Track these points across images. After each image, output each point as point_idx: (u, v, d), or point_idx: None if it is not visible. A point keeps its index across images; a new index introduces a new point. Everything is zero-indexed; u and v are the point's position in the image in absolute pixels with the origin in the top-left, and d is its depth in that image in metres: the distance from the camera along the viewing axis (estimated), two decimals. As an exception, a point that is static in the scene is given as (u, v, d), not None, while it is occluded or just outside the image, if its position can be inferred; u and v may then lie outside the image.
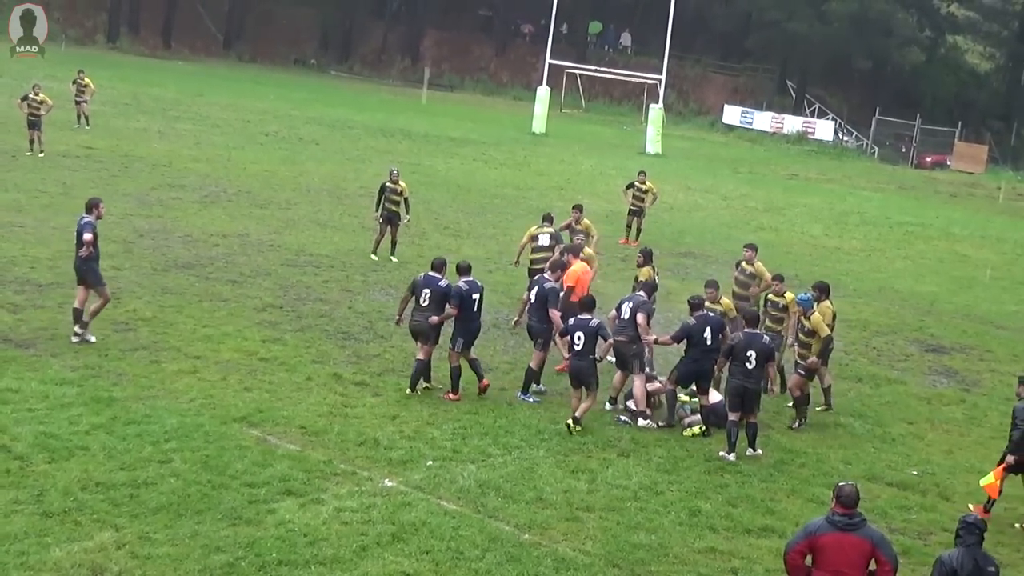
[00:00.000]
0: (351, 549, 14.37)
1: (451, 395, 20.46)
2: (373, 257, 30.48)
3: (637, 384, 20.38)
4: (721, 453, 19.17)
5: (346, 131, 58.83)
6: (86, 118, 48.08)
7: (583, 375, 19.58)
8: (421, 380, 20.61)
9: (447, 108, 78.95)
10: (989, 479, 18.03)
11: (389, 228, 30.76)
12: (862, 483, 14.72)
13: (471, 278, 20.73)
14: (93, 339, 21.27)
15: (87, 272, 21.33)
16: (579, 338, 19.46)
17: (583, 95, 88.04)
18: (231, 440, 17.37)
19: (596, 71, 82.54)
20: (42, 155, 40.22)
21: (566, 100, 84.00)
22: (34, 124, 40.81)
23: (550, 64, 72.30)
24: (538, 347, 21.06)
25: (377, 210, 30.95)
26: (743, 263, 24.58)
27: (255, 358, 21.23)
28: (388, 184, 30.96)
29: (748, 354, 19.13)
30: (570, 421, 19.45)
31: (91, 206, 21.71)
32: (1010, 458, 18.11)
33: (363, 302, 26.39)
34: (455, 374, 20.51)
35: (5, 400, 17.95)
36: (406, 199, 30.91)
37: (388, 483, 16.53)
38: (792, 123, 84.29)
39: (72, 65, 54.47)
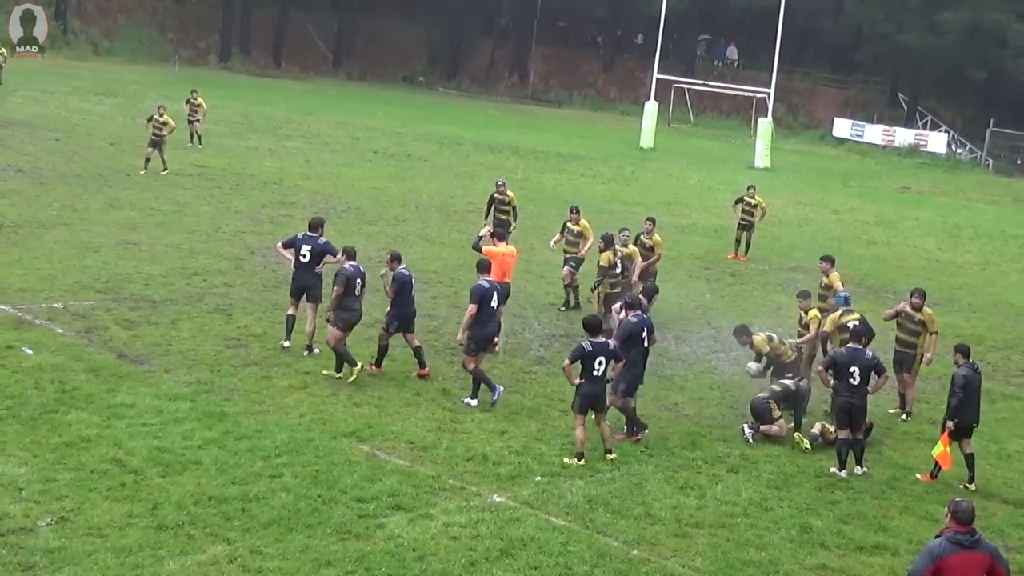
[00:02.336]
0: (459, 564, 14.39)
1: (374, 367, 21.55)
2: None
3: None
4: (832, 470, 18.95)
5: (454, 147, 59.10)
6: (199, 137, 48.77)
7: (599, 401, 18.54)
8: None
9: (555, 124, 79.03)
10: (939, 449, 18.63)
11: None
12: (977, 500, 14.46)
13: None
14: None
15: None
16: (600, 363, 18.26)
17: (691, 109, 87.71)
18: (341, 455, 17.48)
19: (704, 85, 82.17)
20: (164, 172, 40.89)
21: (674, 115, 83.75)
22: (156, 143, 41.42)
23: (658, 79, 72.09)
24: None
25: (486, 219, 31.38)
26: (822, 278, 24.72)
27: (364, 373, 21.34)
28: (496, 195, 31.59)
29: (851, 370, 18.88)
30: (609, 455, 18.69)
31: (316, 225, 22.88)
32: (950, 424, 18.85)
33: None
34: (382, 351, 21.60)
35: (120, 415, 18.23)
36: (514, 208, 31.24)
37: (496, 498, 16.54)
38: (904, 136, 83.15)
39: (185, 85, 55.32)
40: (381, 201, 40.63)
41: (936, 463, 18.96)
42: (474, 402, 20.46)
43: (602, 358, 18.27)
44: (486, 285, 20.76)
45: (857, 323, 21.13)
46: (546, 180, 50.03)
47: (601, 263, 25.86)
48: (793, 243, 41.28)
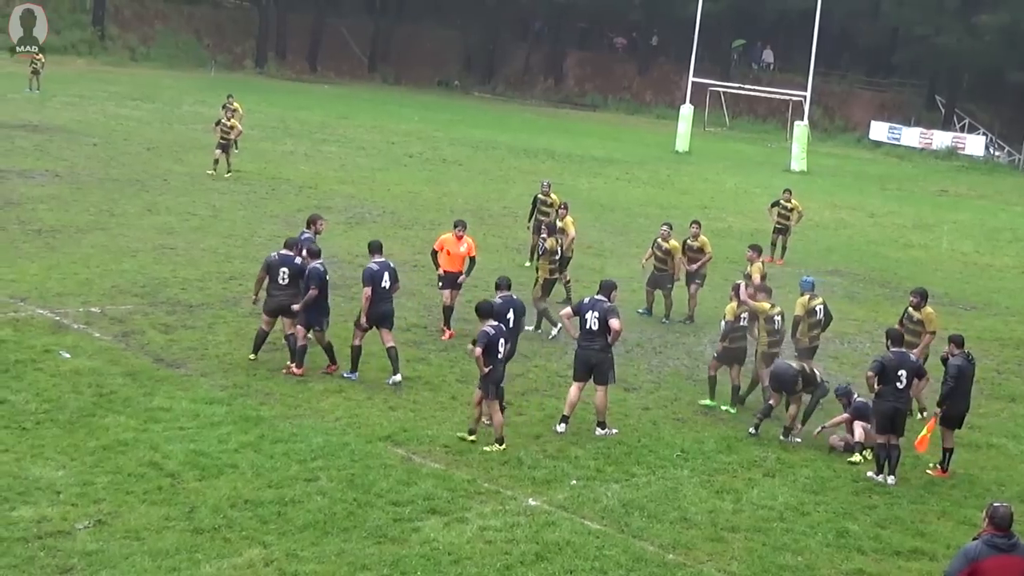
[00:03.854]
0: (495, 568, 14.40)
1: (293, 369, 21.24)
2: (527, 264, 30.97)
3: (600, 396, 19.79)
4: (869, 474, 18.87)
5: (490, 151, 59.13)
6: (235, 142, 48.88)
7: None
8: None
9: (590, 127, 78.98)
10: (922, 433, 19.05)
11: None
12: (1016, 504, 14.35)
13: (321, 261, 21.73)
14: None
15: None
16: (502, 345, 18.67)
17: (727, 113, 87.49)
18: (376, 459, 17.52)
19: (740, 88, 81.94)
20: (228, 175, 42.08)
21: (710, 118, 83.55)
22: (223, 147, 42.65)
23: (693, 82, 71.95)
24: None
25: (530, 220, 31.80)
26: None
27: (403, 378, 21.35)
28: (540, 196, 32.23)
29: (899, 374, 18.76)
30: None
31: (311, 222, 23.52)
32: (938, 410, 19.21)
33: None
34: (301, 351, 21.28)
35: (157, 419, 18.33)
36: (557, 210, 31.29)
37: (532, 502, 16.55)
38: (941, 138, 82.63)
39: (222, 90, 55.60)
40: (416, 205, 40.69)
41: (945, 452, 19.34)
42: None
43: (504, 340, 18.76)
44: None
45: (822, 307, 22.83)
46: (581, 184, 49.97)
47: (547, 247, 25.85)
48: (830, 247, 41.11)
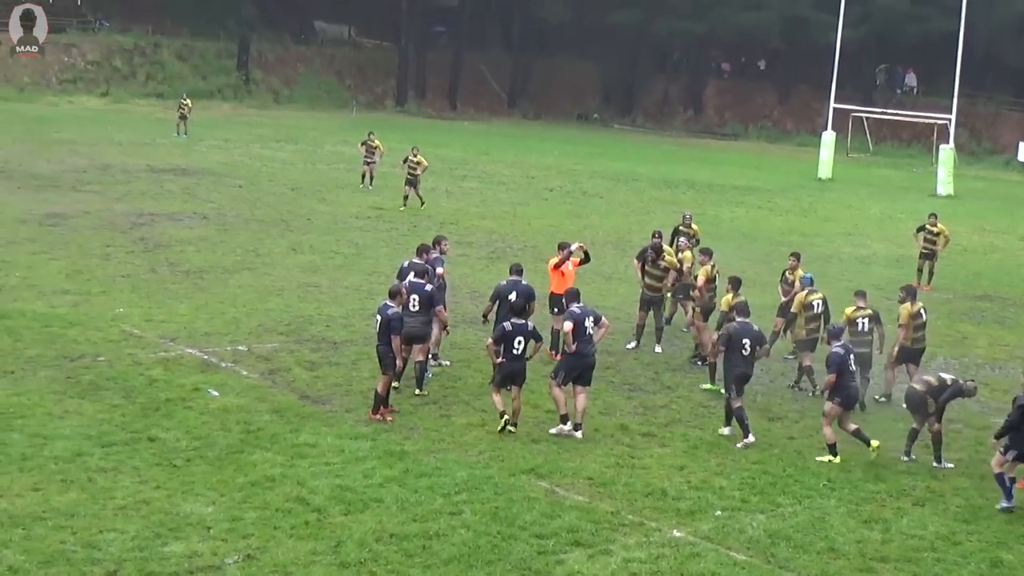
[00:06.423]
0: (640, 600, 14.31)
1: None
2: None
3: (585, 398, 20.56)
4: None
5: (630, 183, 59.09)
6: (371, 178, 49.64)
7: (518, 377, 20.22)
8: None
9: (731, 157, 78.57)
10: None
11: None
12: None
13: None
14: (447, 363, 23.80)
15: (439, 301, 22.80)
16: (519, 342, 20.01)
17: (870, 138, 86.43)
18: (519, 492, 17.53)
19: (883, 113, 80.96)
20: (423, 206, 45.01)
21: (852, 144, 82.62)
22: (411, 182, 45.37)
23: (835, 108, 71.23)
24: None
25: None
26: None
27: (541, 410, 21.32)
28: (682, 227, 32.15)
29: None
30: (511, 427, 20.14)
31: (435, 242, 24.64)
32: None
33: (648, 353, 26.37)
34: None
35: (303, 454, 18.54)
36: (698, 240, 31.33)
37: (676, 533, 16.43)
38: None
39: (363, 130, 56.24)
40: (557, 239, 40.34)
41: None
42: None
43: (521, 338, 20.05)
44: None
45: (821, 302, 23.95)
46: (723, 214, 49.70)
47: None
48: (979, 271, 40.36)
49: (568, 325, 20.39)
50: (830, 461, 19.77)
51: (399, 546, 15.40)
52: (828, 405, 20.09)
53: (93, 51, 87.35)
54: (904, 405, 20.67)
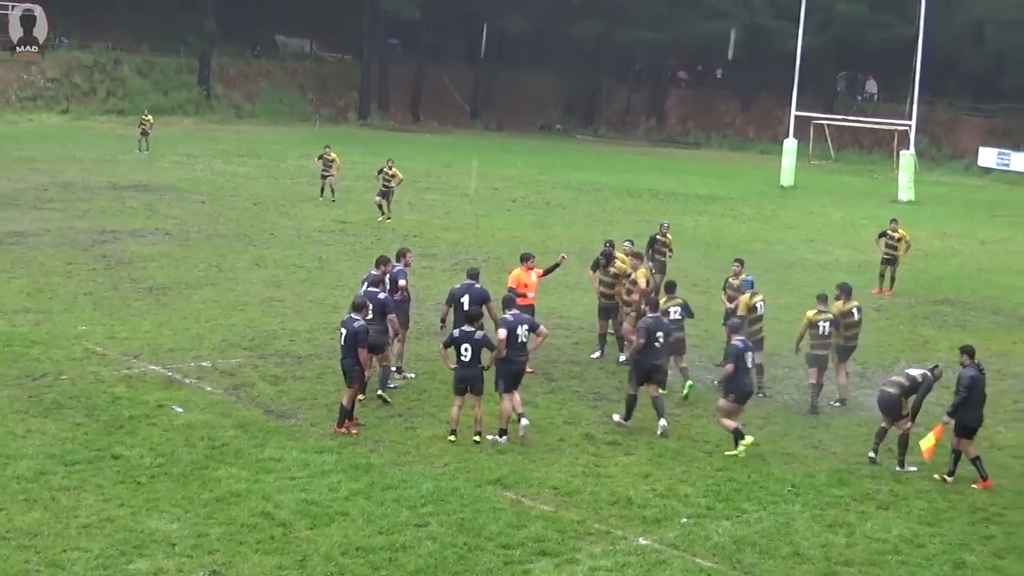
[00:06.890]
0: (606, 609, 14.34)
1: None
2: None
3: (517, 400, 20.85)
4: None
5: (593, 193, 59.20)
6: (332, 190, 49.69)
7: (474, 384, 20.34)
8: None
9: (693, 165, 78.81)
10: (929, 441, 19.51)
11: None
12: None
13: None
14: (412, 375, 23.92)
15: (399, 313, 22.96)
16: (466, 349, 20.20)
17: (831, 145, 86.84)
18: (485, 502, 17.56)
19: (844, 120, 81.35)
20: (388, 220, 45.25)
21: (814, 151, 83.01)
22: (384, 194, 45.75)
23: (796, 116, 71.59)
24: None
25: (650, 261, 31.82)
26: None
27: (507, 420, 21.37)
28: (658, 237, 32.70)
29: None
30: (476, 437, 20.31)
31: (400, 255, 24.45)
32: (947, 418, 19.55)
33: (613, 362, 26.43)
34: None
35: (268, 469, 18.52)
36: (670, 249, 32.55)
37: (642, 541, 16.49)
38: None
39: (324, 142, 56.19)
40: (520, 249, 40.37)
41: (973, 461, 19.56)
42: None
43: (468, 345, 20.21)
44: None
45: (763, 303, 24.68)
46: (687, 222, 49.80)
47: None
48: (940, 276, 40.60)
49: (502, 332, 20.59)
50: (745, 448, 20.18)
51: (365, 559, 15.40)
52: (722, 401, 20.68)
53: (53, 68, 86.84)
54: (878, 408, 20.73)
